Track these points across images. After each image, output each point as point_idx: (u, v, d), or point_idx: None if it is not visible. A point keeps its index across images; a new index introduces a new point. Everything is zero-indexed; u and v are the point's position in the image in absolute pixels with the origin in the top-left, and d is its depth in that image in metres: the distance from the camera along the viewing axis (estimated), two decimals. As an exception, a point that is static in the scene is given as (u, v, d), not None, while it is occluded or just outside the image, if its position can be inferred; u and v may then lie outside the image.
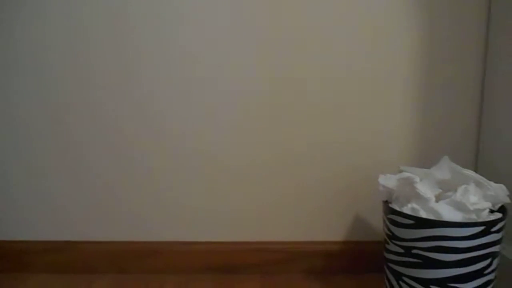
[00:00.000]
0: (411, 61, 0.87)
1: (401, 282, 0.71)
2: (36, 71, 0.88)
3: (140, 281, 0.90)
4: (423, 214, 0.68)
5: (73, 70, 0.88)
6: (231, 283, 0.90)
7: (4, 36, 0.87)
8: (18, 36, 0.87)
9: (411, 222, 0.67)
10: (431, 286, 0.67)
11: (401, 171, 0.75)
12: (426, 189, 0.70)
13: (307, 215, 0.93)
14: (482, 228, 0.64)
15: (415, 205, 0.69)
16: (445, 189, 0.72)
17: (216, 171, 0.91)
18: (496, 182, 0.70)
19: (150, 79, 0.88)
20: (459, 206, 0.67)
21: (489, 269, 0.67)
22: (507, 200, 0.69)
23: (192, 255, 0.93)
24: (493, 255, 0.67)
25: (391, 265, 0.73)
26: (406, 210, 0.70)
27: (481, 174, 0.72)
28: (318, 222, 0.93)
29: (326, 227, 0.93)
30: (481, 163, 0.89)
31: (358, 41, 0.87)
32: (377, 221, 0.93)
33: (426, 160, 0.88)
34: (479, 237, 0.64)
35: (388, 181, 0.74)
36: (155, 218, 0.93)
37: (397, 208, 0.71)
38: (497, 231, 0.66)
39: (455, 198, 0.68)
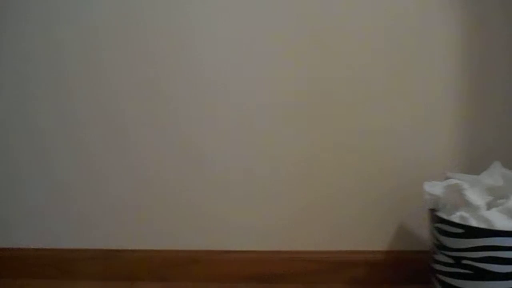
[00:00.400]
0: (460, 58, 0.83)
1: (450, 294, 0.68)
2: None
3: (180, 290, 0.91)
4: (473, 223, 0.65)
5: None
6: (272, 292, 0.89)
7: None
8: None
9: (460, 231, 0.64)
10: (483, 299, 0.64)
11: (447, 178, 0.72)
12: (476, 196, 0.67)
13: (348, 223, 0.91)
14: (539, 237, 0.60)
15: (464, 213, 0.66)
16: (497, 197, 0.69)
17: (254, 180, 0.91)
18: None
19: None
20: (513, 214, 0.63)
21: (547, 281, 0.63)
22: None
23: (231, 264, 0.93)
24: (551, 267, 0.63)
25: (439, 276, 0.70)
26: (455, 218, 0.67)
27: (535, 181, 0.68)
28: (359, 231, 0.91)
29: (368, 236, 0.91)
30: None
31: (396, 40, 0.85)
32: (421, 229, 0.89)
33: (475, 166, 0.83)
34: (535, 247, 0.61)
35: (434, 188, 0.72)
36: (194, 227, 0.94)
37: (445, 217, 0.68)
38: (555, 241, 0.62)
39: (508, 205, 0.64)
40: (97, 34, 0.90)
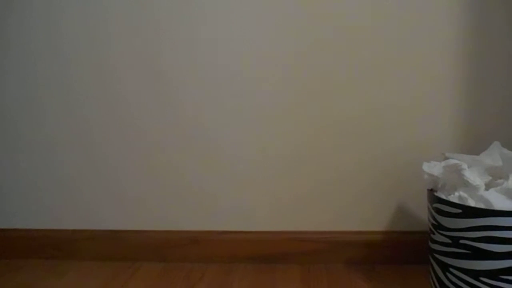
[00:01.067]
0: (463, 41, 0.82)
1: (448, 274, 0.68)
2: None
3: (181, 270, 0.92)
4: (471, 203, 0.65)
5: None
6: (271, 272, 0.90)
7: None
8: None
9: (458, 211, 0.64)
10: (480, 278, 0.64)
11: (446, 158, 0.72)
12: (474, 177, 0.66)
13: (347, 204, 0.91)
14: (537, 217, 0.60)
15: (462, 194, 0.66)
16: (496, 177, 0.69)
17: (254, 160, 0.91)
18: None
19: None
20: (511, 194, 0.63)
21: (545, 261, 0.63)
22: None
23: (232, 244, 0.94)
24: (549, 246, 0.63)
25: (437, 255, 0.70)
26: (453, 198, 0.67)
27: (535, 160, 0.67)
28: (358, 211, 0.91)
29: (367, 217, 0.91)
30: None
31: (404, 24, 0.83)
32: (420, 209, 0.89)
33: (475, 146, 0.83)
34: (533, 227, 0.61)
35: (433, 168, 0.71)
36: (196, 208, 0.94)
37: (444, 197, 0.68)
38: (554, 221, 0.62)
39: (507, 185, 0.64)
40: (102, 19, 0.89)
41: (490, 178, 0.69)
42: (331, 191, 0.91)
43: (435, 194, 0.70)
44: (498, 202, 0.63)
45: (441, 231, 0.68)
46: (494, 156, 0.69)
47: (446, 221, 0.67)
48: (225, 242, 0.94)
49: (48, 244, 0.99)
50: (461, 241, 0.65)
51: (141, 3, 0.87)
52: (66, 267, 0.95)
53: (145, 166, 0.94)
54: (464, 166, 0.67)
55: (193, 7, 0.86)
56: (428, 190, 0.73)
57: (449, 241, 0.67)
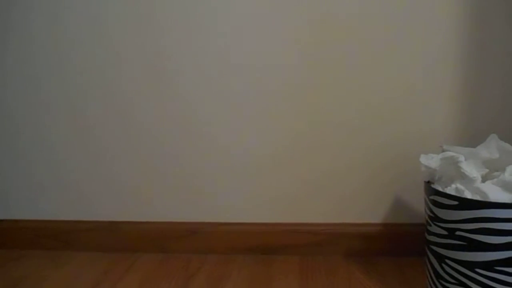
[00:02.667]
0: (461, 32, 0.82)
1: (443, 265, 0.68)
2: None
3: (180, 260, 0.93)
4: (468, 195, 0.65)
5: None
6: (270, 264, 0.90)
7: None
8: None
9: (455, 203, 0.65)
10: (476, 269, 0.64)
11: (444, 151, 0.72)
12: (471, 169, 0.67)
13: (346, 196, 0.91)
14: (532, 209, 0.61)
15: (459, 186, 0.66)
16: (493, 169, 0.69)
17: (253, 154, 0.91)
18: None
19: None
20: (508, 186, 0.63)
21: (540, 252, 0.63)
22: (561, 180, 0.65)
23: (231, 235, 0.94)
24: (544, 238, 0.63)
25: (433, 247, 0.71)
26: (450, 190, 0.67)
27: (533, 153, 0.68)
28: (357, 203, 0.92)
29: (365, 209, 0.92)
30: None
31: (399, 16, 0.83)
32: (417, 202, 0.90)
33: (472, 139, 0.83)
34: (529, 219, 0.61)
35: (430, 160, 0.72)
36: (195, 200, 0.95)
37: (440, 189, 0.68)
38: (549, 212, 0.62)
39: (504, 178, 0.64)
40: (101, 13, 0.89)
41: (487, 170, 0.69)
42: (330, 184, 0.91)
43: (432, 186, 0.71)
44: (494, 194, 0.63)
45: (437, 223, 0.69)
46: (491, 148, 0.69)
47: (443, 213, 0.67)
48: (224, 233, 0.94)
49: (47, 235, 0.99)
50: (457, 233, 0.65)
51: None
52: (65, 258, 0.96)
53: (143, 157, 0.94)
54: (461, 158, 0.67)
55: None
56: (425, 182, 0.73)
57: (445, 232, 0.67)
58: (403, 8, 0.82)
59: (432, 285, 0.72)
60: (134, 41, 0.89)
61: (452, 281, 0.67)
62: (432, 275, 0.72)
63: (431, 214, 0.70)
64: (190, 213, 0.95)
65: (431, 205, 0.70)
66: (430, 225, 0.71)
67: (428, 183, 0.73)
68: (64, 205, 0.99)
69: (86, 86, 0.92)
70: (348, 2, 0.83)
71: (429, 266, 0.73)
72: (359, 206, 0.92)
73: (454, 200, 0.65)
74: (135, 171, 0.95)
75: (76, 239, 0.98)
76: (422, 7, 0.82)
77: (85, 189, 0.97)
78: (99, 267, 0.91)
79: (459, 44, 0.82)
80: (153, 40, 0.88)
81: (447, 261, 0.68)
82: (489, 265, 0.63)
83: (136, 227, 0.97)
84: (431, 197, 0.69)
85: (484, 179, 0.67)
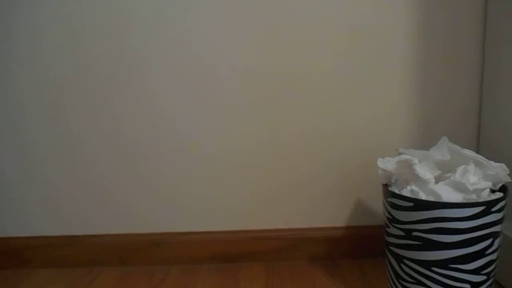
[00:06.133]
0: (408, 41, 0.86)
1: (402, 265, 0.70)
2: (36, 69, 0.88)
3: (144, 273, 0.91)
4: (422, 196, 0.67)
5: (74, 66, 0.88)
6: (236, 271, 0.90)
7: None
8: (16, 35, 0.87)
9: (410, 204, 0.67)
10: (432, 268, 0.66)
11: (400, 154, 0.74)
12: (425, 171, 0.69)
13: (309, 202, 0.93)
14: (482, 208, 0.63)
15: (414, 187, 0.68)
16: (445, 170, 0.71)
17: (216, 160, 0.91)
18: (498, 162, 0.69)
19: (150, 74, 0.88)
20: (459, 187, 0.66)
21: (491, 249, 0.66)
22: (508, 179, 0.68)
23: (195, 245, 0.93)
24: (494, 235, 0.66)
25: (392, 248, 0.72)
26: (406, 192, 0.69)
27: (482, 154, 0.70)
28: (320, 209, 0.93)
29: (328, 213, 0.93)
30: (482, 142, 0.87)
31: (351, 21, 0.85)
32: (379, 205, 0.92)
33: (427, 142, 0.86)
34: (479, 217, 0.63)
35: (387, 164, 0.73)
36: (156, 209, 0.93)
37: (397, 191, 0.70)
38: (498, 211, 0.65)
39: (455, 178, 0.67)
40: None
41: (440, 172, 0.71)
42: (294, 191, 0.92)
43: (389, 188, 0.73)
44: (447, 194, 0.66)
45: (395, 224, 0.70)
46: (442, 150, 0.71)
47: (400, 215, 0.69)
48: (188, 243, 0.93)
49: None
50: (414, 233, 0.67)
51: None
52: (19, 276, 0.92)
53: (103, 168, 0.92)
54: (415, 161, 0.69)
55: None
56: (382, 185, 0.75)
57: (402, 233, 0.69)
58: (358, 17, 0.85)
59: (393, 285, 0.74)
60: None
61: (411, 280, 0.69)
62: (392, 275, 0.74)
63: (389, 216, 0.72)
64: (152, 224, 0.94)
65: (388, 207, 0.72)
66: (389, 227, 0.73)
67: (385, 185, 0.74)
68: (19, 221, 0.94)
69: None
70: (316, 20, 0.85)
71: (389, 266, 0.75)
72: (322, 211, 0.93)
73: (410, 201, 0.67)
74: (92, 184, 0.92)
75: (35, 256, 0.94)
76: (381, 18, 0.85)
77: (41, 205, 0.93)
78: (58, 284, 0.88)
79: (407, 55, 0.86)
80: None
81: (405, 261, 0.70)
82: (444, 264, 0.66)
83: (94, 241, 0.94)
84: (389, 199, 0.71)
85: (437, 180, 0.70)
